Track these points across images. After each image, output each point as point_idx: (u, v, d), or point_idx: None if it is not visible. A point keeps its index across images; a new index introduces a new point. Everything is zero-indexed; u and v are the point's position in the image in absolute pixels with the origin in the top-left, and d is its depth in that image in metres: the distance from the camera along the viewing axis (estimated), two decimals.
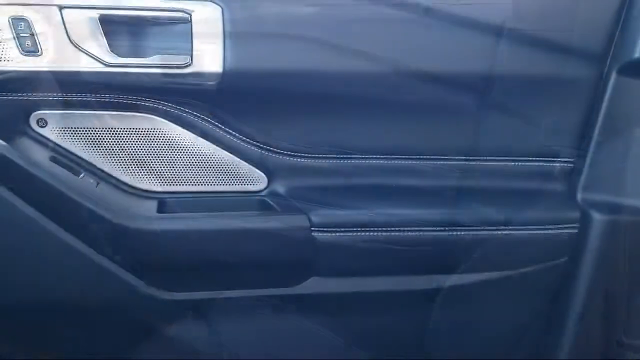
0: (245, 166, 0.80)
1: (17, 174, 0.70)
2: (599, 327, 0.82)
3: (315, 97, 0.78)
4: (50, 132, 0.74)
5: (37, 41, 0.69)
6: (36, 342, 0.78)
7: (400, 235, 0.77)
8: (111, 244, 0.71)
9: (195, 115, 0.76)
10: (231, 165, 0.79)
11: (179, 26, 0.72)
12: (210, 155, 0.78)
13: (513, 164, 0.84)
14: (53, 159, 0.73)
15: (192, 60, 0.72)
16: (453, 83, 0.80)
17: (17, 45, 0.68)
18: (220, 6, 0.72)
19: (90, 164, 0.74)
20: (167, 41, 0.73)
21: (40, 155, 0.73)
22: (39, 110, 0.73)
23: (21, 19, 0.68)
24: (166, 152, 0.77)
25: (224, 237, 0.74)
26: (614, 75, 0.82)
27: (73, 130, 0.74)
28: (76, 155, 0.75)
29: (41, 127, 0.74)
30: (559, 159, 0.85)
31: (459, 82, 0.80)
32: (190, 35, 0.72)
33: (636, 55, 0.80)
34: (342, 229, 0.76)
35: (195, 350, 0.76)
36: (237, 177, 0.80)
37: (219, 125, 0.78)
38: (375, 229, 0.77)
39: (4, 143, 0.70)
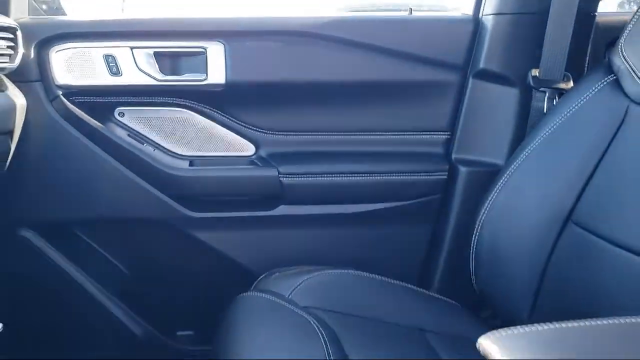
0: (241, 140, 1.26)
1: (106, 143, 1.18)
2: (462, 255, 1.20)
3: (284, 97, 1.24)
4: (126, 120, 1.22)
5: (119, 68, 1.17)
6: (99, 248, 1.24)
7: (334, 180, 1.23)
8: (162, 183, 1.19)
9: (210, 109, 1.23)
10: (232, 140, 1.25)
11: (199, 57, 1.19)
12: (219, 133, 1.24)
13: (411, 136, 1.29)
14: (128, 135, 1.21)
15: (207, 76, 1.19)
16: (371, 86, 1.25)
17: (107, 70, 1.17)
18: (223, 44, 1.19)
19: (149, 138, 1.22)
20: (192, 65, 1.20)
21: (120, 133, 1.22)
22: (120, 107, 1.21)
23: (110, 55, 1.17)
24: (192, 132, 1.24)
25: (227, 180, 1.21)
26: (471, 79, 1.26)
27: (139, 119, 1.22)
28: (141, 134, 1.23)
29: (121, 117, 1.22)
30: (440, 132, 1.29)
31: (374, 85, 1.25)
32: (205, 61, 1.19)
33: (482, 65, 1.23)
34: (298, 176, 1.22)
35: (208, 247, 1.23)
36: (236, 146, 1.26)
37: (224, 115, 1.24)
38: (319, 176, 1.22)
39: (100, 124, 1.19)
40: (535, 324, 0.56)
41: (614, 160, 0.99)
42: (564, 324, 0.58)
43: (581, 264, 0.99)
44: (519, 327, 0.54)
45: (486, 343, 0.51)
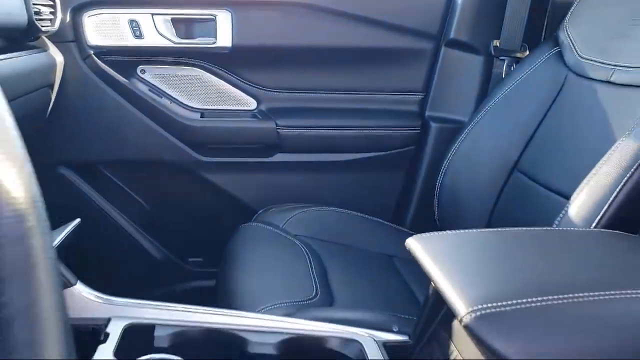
0: (245, 96, 1.45)
1: (130, 95, 1.38)
2: (431, 198, 1.37)
3: (282, 60, 1.43)
4: (147, 76, 1.41)
5: (141, 31, 1.35)
6: (124, 186, 1.45)
7: (324, 132, 1.43)
8: (177, 131, 1.39)
9: (218, 68, 1.42)
10: (237, 95, 1.45)
11: (210, 23, 1.37)
12: (226, 89, 1.44)
13: (390, 95, 1.48)
14: (149, 90, 1.41)
15: (216, 39, 1.38)
16: (356, 52, 1.43)
17: (132, 33, 1.35)
18: (230, 12, 1.36)
19: (166, 92, 1.42)
20: (203, 30, 1.38)
21: (142, 87, 1.41)
22: (141, 65, 1.40)
23: (133, 20, 1.35)
24: (203, 88, 1.44)
25: (232, 130, 1.41)
26: (443, 48, 1.44)
27: (158, 76, 1.41)
28: (159, 88, 1.42)
29: (142, 74, 1.41)
30: (415, 93, 1.47)
31: (359, 51, 1.43)
32: (215, 27, 1.37)
33: (452, 36, 1.41)
34: (292, 128, 1.42)
35: (216, 187, 1.44)
36: (240, 101, 1.46)
37: (231, 73, 1.43)
38: (310, 129, 1.42)
39: (125, 79, 1.38)
40: (456, 231, 0.76)
41: (553, 119, 1.19)
42: (480, 230, 0.78)
43: (522, 206, 1.19)
44: (442, 232, 0.74)
45: (412, 243, 0.71)
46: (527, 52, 1.35)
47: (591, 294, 0.60)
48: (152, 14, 1.34)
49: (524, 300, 0.57)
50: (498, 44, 1.37)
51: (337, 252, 1.22)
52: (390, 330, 0.80)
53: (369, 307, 0.94)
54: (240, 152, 1.44)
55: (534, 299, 0.57)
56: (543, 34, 1.40)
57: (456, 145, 1.28)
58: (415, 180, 1.45)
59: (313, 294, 0.99)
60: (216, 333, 0.71)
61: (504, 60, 1.37)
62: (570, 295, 0.59)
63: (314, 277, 1.06)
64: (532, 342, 0.55)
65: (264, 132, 1.42)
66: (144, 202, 1.47)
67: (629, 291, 0.60)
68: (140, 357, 0.64)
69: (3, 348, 0.27)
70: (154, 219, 1.49)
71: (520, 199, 1.20)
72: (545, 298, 0.58)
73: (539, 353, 0.55)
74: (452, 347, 0.67)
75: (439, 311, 0.71)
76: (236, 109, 1.45)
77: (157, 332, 0.70)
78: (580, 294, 0.59)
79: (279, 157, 1.44)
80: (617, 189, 0.82)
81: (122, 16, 1.33)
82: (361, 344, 0.73)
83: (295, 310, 0.90)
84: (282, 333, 0.73)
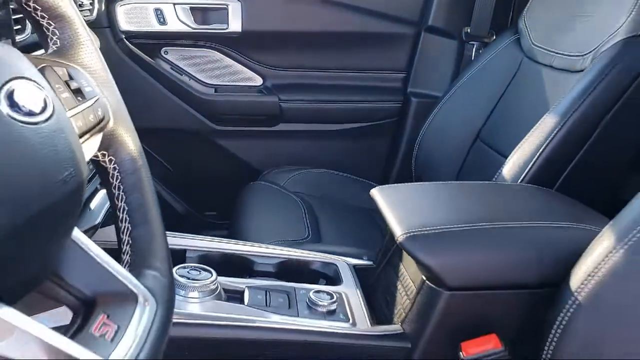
0: (252, 73, 1.68)
1: (156, 73, 1.61)
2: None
3: (284, 42, 1.65)
4: (169, 57, 1.64)
5: (164, 18, 1.58)
6: (150, 150, 1.69)
7: (319, 105, 1.66)
8: (195, 104, 1.63)
9: (230, 49, 1.65)
10: (245, 73, 1.68)
11: (222, 11, 1.59)
12: (236, 68, 1.67)
13: (377, 73, 1.70)
14: (171, 68, 1.64)
15: (228, 25, 1.60)
16: (348, 36, 1.65)
17: (156, 20, 1.58)
18: (240, 2, 1.59)
19: (186, 70, 1.65)
20: (217, 17, 1.60)
21: (165, 66, 1.64)
22: (165, 47, 1.63)
23: (158, 9, 1.57)
24: (217, 66, 1.67)
25: (241, 103, 1.65)
26: (423, 33, 1.66)
27: (179, 56, 1.64)
28: (180, 67, 1.65)
29: (165, 55, 1.64)
30: (399, 72, 1.70)
31: (350, 35, 1.65)
32: (227, 15, 1.60)
33: (430, 23, 1.63)
34: (292, 102, 1.66)
35: (228, 151, 1.68)
36: (248, 78, 1.69)
37: (240, 54, 1.66)
38: (307, 102, 1.66)
39: (151, 59, 1.61)
40: (409, 183, 1.00)
41: (510, 96, 1.41)
42: (430, 182, 1.02)
43: (481, 168, 1.42)
44: (397, 184, 0.98)
45: (374, 192, 0.95)
46: (494, 38, 1.57)
47: (500, 223, 0.84)
48: (174, 4, 1.56)
49: (446, 226, 0.81)
50: (469, 30, 1.58)
51: (327, 206, 1.47)
52: (360, 259, 1.05)
53: (347, 244, 1.19)
54: (247, 121, 1.68)
55: (454, 226, 0.81)
56: (509, 22, 1.61)
57: (430, 117, 1.51)
58: (398, 146, 1.68)
59: (305, 235, 1.24)
60: (231, 256, 0.96)
61: (473, 44, 1.59)
62: (483, 223, 0.83)
63: (307, 223, 1.31)
64: (449, 256, 0.79)
65: (269, 105, 1.65)
66: (167, 164, 1.72)
67: (530, 222, 0.84)
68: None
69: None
70: (176, 178, 1.74)
71: (480, 163, 1.44)
72: (462, 225, 0.82)
73: (453, 264, 0.79)
74: (402, 267, 0.92)
75: (393, 243, 0.95)
76: (245, 85, 1.68)
77: (188, 254, 0.94)
78: (491, 223, 0.83)
79: (281, 127, 1.68)
80: (537, 154, 1.06)
81: (148, 5, 1.56)
82: (337, 266, 0.98)
83: (289, 245, 1.15)
84: (279, 257, 0.98)
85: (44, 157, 0.36)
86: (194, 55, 1.65)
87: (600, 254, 0.67)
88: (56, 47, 0.53)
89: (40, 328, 0.35)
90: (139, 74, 1.59)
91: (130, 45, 1.58)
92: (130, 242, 0.51)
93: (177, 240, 0.97)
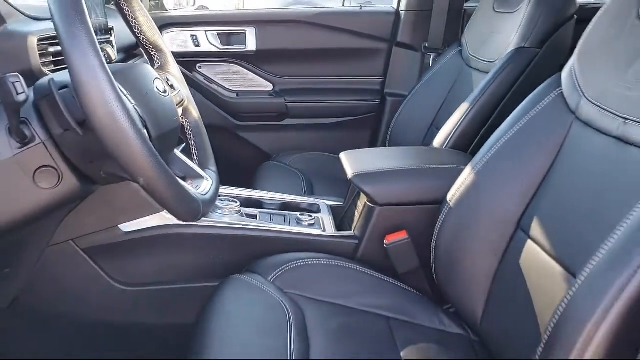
0: (264, 81, 2.19)
1: (193, 83, 2.15)
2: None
3: (287, 58, 2.18)
4: (203, 70, 2.17)
5: (199, 41, 2.11)
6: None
7: (315, 104, 2.18)
8: (222, 105, 2.16)
9: (247, 64, 2.17)
10: (259, 81, 2.19)
11: (241, 35, 2.12)
12: (252, 77, 2.18)
13: (360, 78, 2.21)
14: (204, 79, 2.18)
15: (246, 46, 2.13)
16: (337, 51, 2.17)
17: (192, 43, 2.12)
18: (254, 28, 2.12)
19: (214, 80, 2.18)
20: (237, 40, 2.13)
21: (200, 77, 2.18)
22: (199, 63, 2.15)
23: (194, 35, 2.11)
24: (238, 77, 2.19)
25: (256, 104, 2.18)
26: (394, 47, 2.17)
27: (210, 69, 2.17)
28: (210, 77, 2.17)
29: (199, 69, 2.16)
30: (377, 77, 2.20)
31: (339, 50, 2.17)
32: (245, 38, 2.13)
33: (399, 39, 2.14)
34: (295, 102, 2.17)
35: (246, 141, 2.21)
36: (261, 85, 2.20)
37: (256, 67, 2.18)
38: (306, 102, 2.18)
39: (189, 72, 2.15)
40: (367, 148, 1.51)
41: (452, 94, 1.90)
42: (382, 148, 1.53)
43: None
44: (359, 149, 1.48)
45: (342, 155, 1.45)
46: (446, 49, 2.07)
47: (412, 167, 1.33)
48: (206, 31, 2.10)
49: (379, 169, 1.30)
50: (427, 45, 2.09)
51: (320, 176, 1.98)
52: (338, 203, 1.55)
53: (329, 196, 1.70)
54: (261, 118, 2.20)
55: (384, 169, 1.31)
56: (460, 36, 2.11)
57: (398, 112, 2.01)
58: (377, 134, 2.18)
59: (302, 193, 1.75)
60: (251, 198, 1.47)
61: (431, 55, 2.09)
62: (402, 168, 1.32)
63: (304, 186, 1.81)
64: (379, 186, 1.28)
65: (277, 105, 2.18)
66: None
67: (429, 166, 1.33)
68: None
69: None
70: None
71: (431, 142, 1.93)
72: (389, 168, 1.31)
73: (382, 190, 1.28)
74: (358, 202, 1.42)
75: (355, 188, 1.45)
76: (259, 90, 2.20)
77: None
78: (407, 167, 1.32)
79: (287, 121, 2.20)
80: (456, 127, 1.54)
81: (187, 32, 2.10)
82: (318, 205, 1.48)
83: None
84: (281, 200, 1.49)
85: (168, 110, 0.88)
86: (220, 68, 2.18)
87: (461, 178, 1.16)
88: (158, 65, 1.06)
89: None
90: None
91: None
92: (197, 159, 1.03)
93: (220, 190, 1.49)
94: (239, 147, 2.23)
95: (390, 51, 2.16)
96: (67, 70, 0.70)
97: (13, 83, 0.68)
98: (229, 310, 1.02)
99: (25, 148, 0.77)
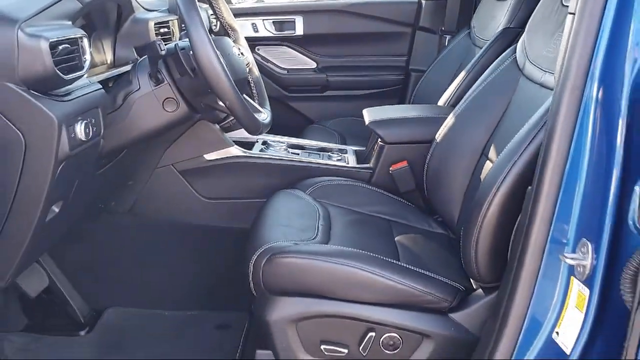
0: (310, 60, 2.68)
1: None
2: None
3: (329, 40, 2.65)
4: (261, 52, 2.67)
5: (257, 28, 2.62)
6: None
7: (350, 79, 2.65)
8: (276, 80, 2.66)
9: (296, 46, 2.65)
10: (306, 60, 2.67)
11: (291, 22, 2.60)
12: (300, 57, 2.66)
13: (389, 57, 2.66)
14: (261, 59, 2.69)
15: (295, 30, 2.62)
16: (371, 34, 2.63)
17: (252, 29, 2.62)
18: (302, 16, 2.60)
19: (270, 60, 2.66)
20: (288, 26, 2.61)
21: (258, 58, 2.68)
22: (258, 46, 2.66)
23: (253, 22, 2.62)
24: (288, 57, 2.68)
25: (303, 79, 2.66)
26: (417, 31, 2.60)
27: (266, 51, 2.66)
28: (267, 58, 2.68)
29: (258, 51, 2.65)
30: (402, 56, 2.64)
31: (374, 34, 2.62)
32: (294, 24, 2.61)
33: (420, 24, 2.57)
34: (336, 76, 2.66)
35: (293, 108, 2.70)
36: (307, 63, 2.69)
37: (303, 48, 2.66)
38: (341, 76, 2.65)
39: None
40: (385, 106, 1.97)
41: (463, 68, 2.33)
42: (400, 105, 1.99)
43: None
44: (380, 106, 1.95)
45: (364, 111, 1.91)
46: (459, 32, 2.49)
47: (418, 116, 1.78)
48: (263, 19, 2.61)
49: (392, 117, 1.77)
50: (443, 28, 2.52)
51: (353, 133, 2.45)
52: (361, 148, 2.01)
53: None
54: (308, 90, 2.69)
55: (396, 117, 1.77)
56: (470, 21, 2.52)
57: (419, 84, 2.45)
58: (402, 103, 2.64)
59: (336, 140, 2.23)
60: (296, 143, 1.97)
61: (446, 36, 2.52)
62: (409, 117, 1.78)
63: (338, 141, 2.30)
64: (389, 129, 1.75)
65: (320, 79, 2.66)
66: None
67: (434, 115, 1.78)
68: None
69: None
70: None
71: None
72: (399, 117, 1.78)
73: (390, 132, 1.73)
74: (375, 145, 1.88)
75: (375, 137, 1.92)
76: (305, 67, 2.69)
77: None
78: (414, 117, 1.78)
79: (327, 93, 2.69)
80: (458, 85, 1.98)
81: (247, 21, 2.61)
82: (346, 150, 1.96)
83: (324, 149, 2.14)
84: (317, 146, 1.97)
85: (241, 65, 1.39)
86: (275, 50, 2.68)
87: (446, 122, 1.60)
88: (233, 39, 1.57)
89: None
90: None
91: None
92: (257, 100, 1.53)
93: (276, 138, 1.99)
94: (289, 113, 2.73)
95: (414, 34, 2.60)
96: (180, 40, 1.21)
97: (158, 44, 1.20)
98: (278, 206, 1.50)
99: (158, 86, 1.29)
